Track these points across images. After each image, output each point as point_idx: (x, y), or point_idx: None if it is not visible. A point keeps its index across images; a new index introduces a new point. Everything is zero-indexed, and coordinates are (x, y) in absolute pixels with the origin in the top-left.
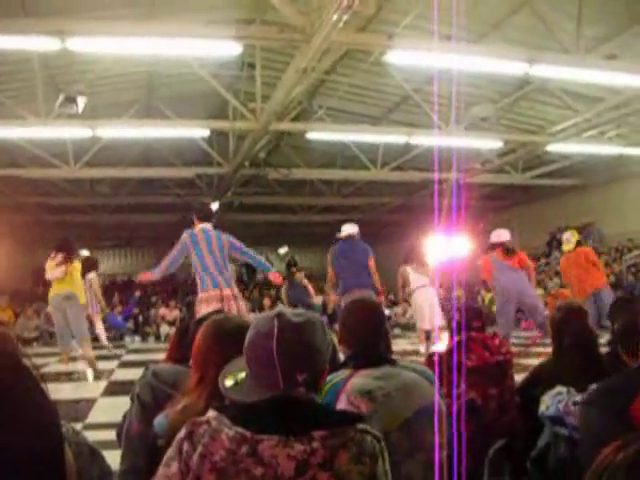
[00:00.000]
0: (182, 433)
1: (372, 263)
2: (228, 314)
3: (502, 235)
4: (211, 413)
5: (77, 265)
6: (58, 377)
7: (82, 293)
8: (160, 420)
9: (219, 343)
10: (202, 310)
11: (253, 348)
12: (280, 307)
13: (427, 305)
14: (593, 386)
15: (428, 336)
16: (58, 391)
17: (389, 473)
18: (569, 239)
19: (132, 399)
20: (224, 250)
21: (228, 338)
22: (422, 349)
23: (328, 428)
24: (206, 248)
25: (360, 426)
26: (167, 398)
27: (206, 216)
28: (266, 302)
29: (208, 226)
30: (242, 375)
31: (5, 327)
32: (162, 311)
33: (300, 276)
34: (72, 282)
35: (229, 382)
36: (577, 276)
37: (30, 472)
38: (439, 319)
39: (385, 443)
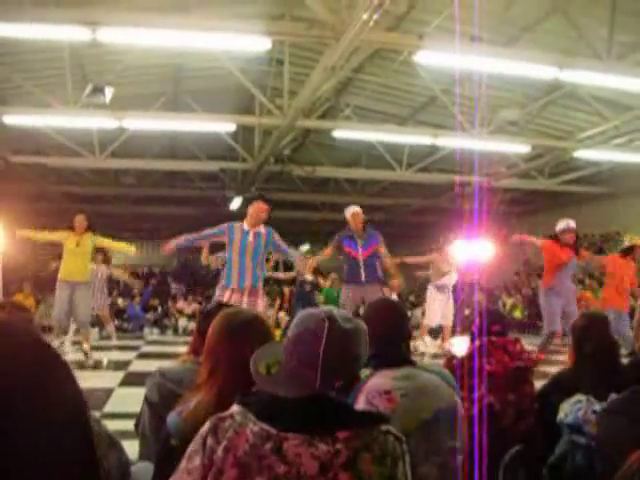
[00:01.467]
0: (206, 427)
1: None
2: (239, 307)
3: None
4: (235, 407)
5: None
6: (75, 365)
7: None
8: (173, 419)
9: (229, 337)
10: None
11: (298, 345)
12: (328, 307)
13: (440, 303)
14: (613, 395)
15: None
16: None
17: (409, 475)
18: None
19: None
20: None
21: (238, 332)
22: (422, 347)
23: (352, 429)
24: None
25: (384, 427)
26: (173, 396)
27: None
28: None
29: None
30: (274, 361)
31: (28, 314)
32: (180, 304)
33: None
34: None
35: (261, 369)
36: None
37: (68, 464)
38: (450, 317)
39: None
